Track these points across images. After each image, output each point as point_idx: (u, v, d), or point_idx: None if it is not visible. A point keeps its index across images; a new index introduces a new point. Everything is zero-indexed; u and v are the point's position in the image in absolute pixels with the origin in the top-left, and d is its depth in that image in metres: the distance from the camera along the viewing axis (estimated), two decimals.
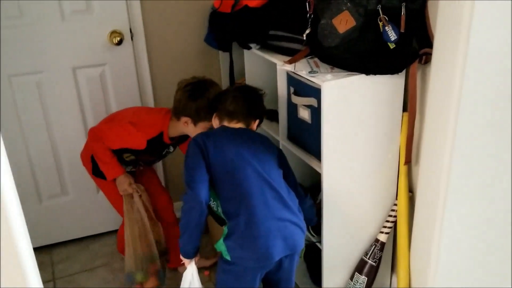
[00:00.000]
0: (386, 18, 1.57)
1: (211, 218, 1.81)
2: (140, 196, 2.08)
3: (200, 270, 1.78)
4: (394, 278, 2.12)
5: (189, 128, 1.99)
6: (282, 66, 1.84)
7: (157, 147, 2.09)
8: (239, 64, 2.35)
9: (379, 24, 1.58)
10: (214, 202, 1.69)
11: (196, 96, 1.93)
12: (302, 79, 1.78)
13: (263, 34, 2.04)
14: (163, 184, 2.64)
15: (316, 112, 1.76)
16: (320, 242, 1.93)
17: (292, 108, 1.93)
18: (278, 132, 2.05)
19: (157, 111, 2.12)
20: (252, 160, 1.64)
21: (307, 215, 1.77)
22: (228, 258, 1.62)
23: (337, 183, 1.82)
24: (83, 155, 2.17)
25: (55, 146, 2.41)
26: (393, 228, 1.97)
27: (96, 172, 2.12)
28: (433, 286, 1.75)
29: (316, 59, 1.81)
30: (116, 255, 2.44)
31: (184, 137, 2.14)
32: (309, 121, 1.83)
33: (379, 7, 1.57)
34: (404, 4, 1.57)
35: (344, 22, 1.59)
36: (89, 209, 2.56)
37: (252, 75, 2.27)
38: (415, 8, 1.61)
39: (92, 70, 2.34)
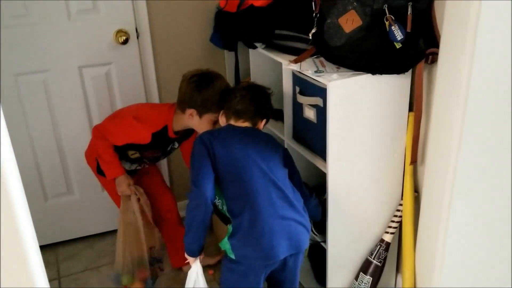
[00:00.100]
0: (393, 17, 1.57)
1: (216, 217, 1.82)
2: (139, 199, 2.06)
3: (205, 269, 1.78)
4: (399, 278, 2.12)
5: (194, 120, 1.97)
6: (288, 66, 1.84)
7: (162, 141, 2.07)
8: (245, 63, 2.36)
9: (385, 24, 1.57)
10: (220, 200, 1.69)
11: (202, 87, 1.91)
12: (308, 79, 1.78)
13: (268, 33, 2.04)
14: (167, 183, 2.64)
15: (321, 111, 1.76)
16: (325, 241, 1.93)
17: (297, 108, 1.93)
18: (283, 132, 2.05)
19: (161, 106, 2.11)
20: (258, 159, 1.64)
21: (313, 214, 1.76)
22: (232, 256, 1.62)
23: (342, 183, 1.82)
24: (87, 153, 2.18)
25: (61, 145, 2.41)
26: (398, 228, 1.96)
27: (100, 170, 2.12)
28: (438, 286, 1.74)
29: (322, 59, 1.81)
30: None
31: (188, 133, 2.13)
32: (315, 121, 1.83)
33: (385, 7, 1.56)
34: (410, 3, 1.57)
35: (350, 22, 1.59)
36: (94, 207, 2.56)
37: (258, 74, 2.27)
38: (421, 8, 1.60)
39: (98, 69, 2.34)
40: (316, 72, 1.71)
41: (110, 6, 2.25)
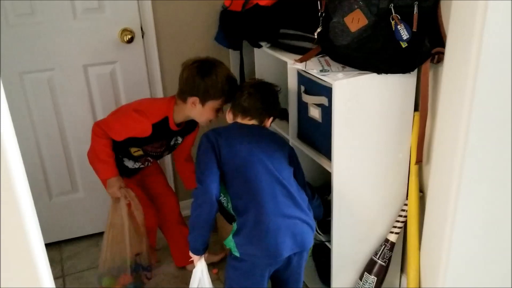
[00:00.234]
0: (399, 16, 1.56)
1: (220, 216, 1.82)
2: (129, 204, 2.03)
3: (209, 267, 1.78)
4: (403, 278, 2.11)
5: (196, 109, 1.93)
6: (293, 65, 1.84)
7: (163, 134, 2.04)
8: (250, 62, 2.35)
9: (391, 23, 1.57)
10: (225, 198, 1.70)
11: (204, 73, 1.88)
12: (313, 78, 1.78)
13: (273, 32, 2.03)
14: (172, 182, 2.65)
15: (326, 111, 1.76)
16: (329, 241, 1.93)
17: (302, 107, 1.93)
18: (288, 131, 2.05)
19: (161, 98, 2.10)
20: (263, 157, 1.64)
21: (315, 214, 1.76)
22: (237, 254, 1.62)
23: (347, 182, 1.81)
24: (90, 154, 2.16)
25: (66, 143, 2.42)
26: (403, 228, 1.96)
27: None
28: (443, 287, 1.74)
29: (327, 58, 1.81)
30: None
31: (190, 127, 2.11)
32: (320, 120, 1.82)
33: (391, 6, 1.56)
34: (416, 2, 1.56)
35: (356, 21, 1.58)
36: (99, 206, 2.57)
37: (262, 73, 2.27)
38: (427, 7, 1.60)
39: (103, 67, 2.35)
40: (321, 71, 1.71)
41: (115, 5, 2.25)
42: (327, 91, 1.71)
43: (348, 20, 1.61)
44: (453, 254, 1.67)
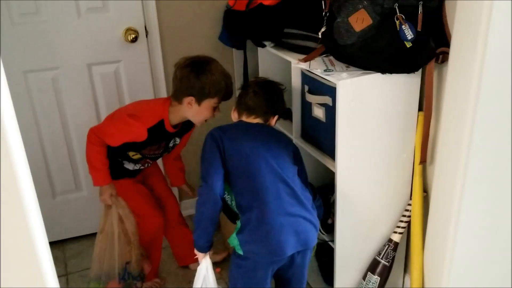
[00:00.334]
0: (403, 16, 1.56)
1: (223, 215, 1.82)
2: (119, 213, 2.02)
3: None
4: (407, 278, 2.11)
5: (193, 109, 1.91)
6: (297, 64, 1.84)
7: (160, 137, 2.01)
8: (253, 62, 2.35)
9: (395, 23, 1.57)
10: (229, 196, 1.70)
11: (199, 72, 1.86)
12: (317, 78, 1.77)
13: (277, 32, 2.03)
14: None
15: (330, 110, 1.76)
16: (332, 241, 1.93)
17: (306, 107, 1.92)
18: (292, 131, 2.05)
19: (155, 100, 2.07)
20: (267, 156, 1.65)
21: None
22: (240, 252, 1.62)
23: (351, 182, 1.81)
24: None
25: (70, 142, 2.42)
26: (406, 228, 1.96)
27: None
28: (447, 287, 1.73)
29: (331, 58, 1.81)
30: None
31: (187, 127, 2.09)
32: (323, 120, 1.82)
33: (396, 6, 1.55)
34: (421, 2, 1.56)
35: (360, 21, 1.58)
36: (103, 204, 2.57)
37: (266, 73, 2.26)
38: (432, 7, 1.59)
39: (107, 66, 2.35)
40: (325, 71, 1.70)
41: (119, 4, 2.25)
42: (331, 91, 1.71)
43: (352, 19, 1.60)
44: (457, 254, 1.67)
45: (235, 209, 1.68)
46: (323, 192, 2.01)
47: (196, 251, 1.71)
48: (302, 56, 1.86)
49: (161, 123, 1.95)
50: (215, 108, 1.93)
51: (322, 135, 1.86)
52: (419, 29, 1.57)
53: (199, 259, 1.72)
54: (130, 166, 2.11)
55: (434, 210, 1.75)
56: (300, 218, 1.62)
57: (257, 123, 1.77)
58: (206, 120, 1.98)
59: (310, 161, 1.98)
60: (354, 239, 1.92)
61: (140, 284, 2.19)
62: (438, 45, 1.64)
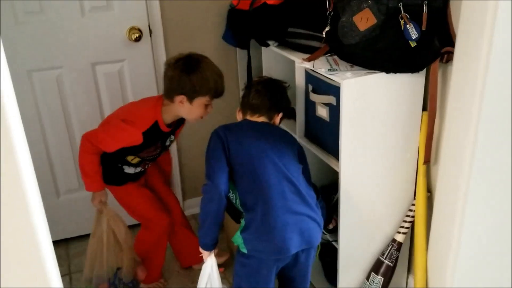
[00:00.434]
0: (408, 16, 1.55)
1: (227, 215, 1.82)
2: (108, 220, 2.02)
3: None
4: (410, 279, 2.10)
5: (184, 107, 1.89)
6: (301, 64, 1.84)
7: (156, 138, 1.99)
8: (257, 61, 2.35)
9: (400, 22, 1.56)
10: (233, 194, 1.70)
11: (189, 70, 1.83)
12: (321, 77, 1.77)
13: (281, 31, 2.03)
14: (178, 182, 2.65)
15: (334, 110, 1.75)
16: (336, 241, 1.92)
17: (310, 106, 1.92)
18: (296, 130, 2.05)
19: (147, 101, 2.02)
20: (272, 154, 1.65)
21: None
22: (244, 251, 1.63)
23: (354, 182, 1.81)
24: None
25: (74, 141, 2.43)
26: (410, 228, 1.95)
27: (108, 180, 2.08)
28: (451, 287, 1.73)
29: (335, 57, 1.80)
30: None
31: (179, 122, 2.07)
32: (327, 119, 1.82)
33: (400, 5, 1.55)
34: (426, 2, 1.55)
35: (365, 20, 1.58)
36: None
37: (270, 72, 2.26)
38: (437, 6, 1.59)
39: (111, 66, 2.35)
40: (329, 70, 1.70)
41: (123, 3, 2.25)
42: (335, 90, 1.70)
43: (357, 19, 1.60)
44: (461, 254, 1.66)
45: (240, 208, 1.68)
46: (327, 192, 2.01)
47: (201, 249, 1.71)
48: (306, 56, 1.86)
49: (155, 125, 1.94)
50: (207, 106, 1.91)
51: (326, 134, 1.86)
52: (423, 28, 1.56)
53: (204, 258, 1.72)
54: (130, 170, 2.09)
55: (438, 210, 1.75)
56: (304, 216, 1.62)
57: (261, 122, 1.78)
58: (202, 117, 1.95)
59: (313, 161, 1.97)
60: (357, 239, 1.92)
61: None
62: (442, 44, 1.64)
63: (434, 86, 1.69)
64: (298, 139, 2.03)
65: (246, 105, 1.80)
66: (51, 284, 0.85)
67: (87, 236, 2.60)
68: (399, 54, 1.61)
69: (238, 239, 1.63)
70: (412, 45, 1.58)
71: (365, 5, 1.57)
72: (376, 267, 1.96)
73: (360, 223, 1.90)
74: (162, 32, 2.36)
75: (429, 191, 1.90)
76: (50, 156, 2.42)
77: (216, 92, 1.89)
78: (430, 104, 1.72)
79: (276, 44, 2.09)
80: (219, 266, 2.33)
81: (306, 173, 1.77)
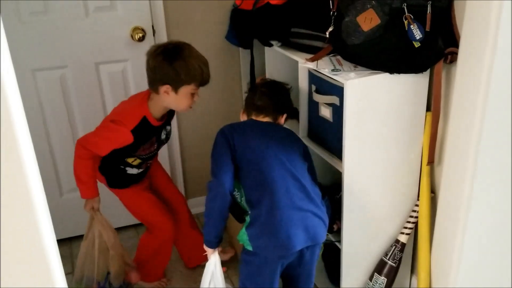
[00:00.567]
0: (412, 16, 1.55)
1: (230, 216, 1.82)
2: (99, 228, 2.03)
3: None
4: (413, 279, 2.10)
5: (170, 97, 1.83)
6: (304, 64, 1.83)
7: (148, 134, 1.94)
8: (260, 61, 2.35)
9: (404, 23, 1.56)
10: (238, 193, 1.71)
11: (172, 59, 1.77)
12: (324, 77, 1.77)
13: (284, 31, 2.03)
14: (181, 181, 2.65)
15: (338, 110, 1.75)
16: (339, 241, 1.92)
17: (313, 106, 1.92)
18: (299, 130, 2.04)
19: (135, 98, 1.98)
20: (277, 151, 1.67)
21: None
22: (249, 248, 1.63)
23: (358, 182, 1.80)
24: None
25: None
26: (414, 229, 1.95)
27: (112, 184, 2.09)
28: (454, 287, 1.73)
29: (339, 57, 1.80)
30: (135, 249, 2.46)
31: (171, 113, 2.03)
32: (331, 120, 1.82)
33: (404, 5, 1.55)
34: (430, 2, 1.55)
35: (368, 20, 1.57)
36: (109, 203, 2.56)
37: (273, 72, 2.26)
38: (441, 7, 1.59)
39: (115, 65, 2.36)
40: (333, 70, 1.70)
41: (127, 3, 2.26)
42: (338, 91, 1.70)
43: (360, 19, 1.60)
44: (464, 255, 1.66)
45: (245, 205, 1.69)
46: (330, 192, 2.01)
47: (205, 247, 1.72)
48: (310, 56, 1.86)
49: (144, 120, 1.89)
50: (193, 95, 1.86)
51: (329, 135, 1.86)
52: (427, 29, 1.56)
53: (208, 255, 1.73)
54: (134, 171, 2.07)
55: (442, 211, 1.74)
56: (309, 213, 1.62)
57: (267, 122, 1.79)
58: (190, 107, 1.91)
59: (316, 161, 1.97)
60: (360, 239, 1.92)
61: None
62: (446, 45, 1.64)
63: (438, 87, 1.68)
64: None
65: (251, 106, 1.81)
66: (55, 283, 0.85)
67: None
68: (403, 54, 1.61)
69: (243, 235, 1.63)
70: (416, 46, 1.58)
71: (369, 6, 1.57)
72: (379, 267, 1.96)
73: (363, 224, 1.89)
74: (166, 32, 2.37)
75: (433, 191, 1.90)
76: (53, 155, 2.43)
77: (202, 79, 1.84)
78: (434, 104, 1.71)
79: (279, 44, 2.09)
80: (223, 264, 2.34)
81: (311, 171, 1.77)
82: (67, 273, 2.35)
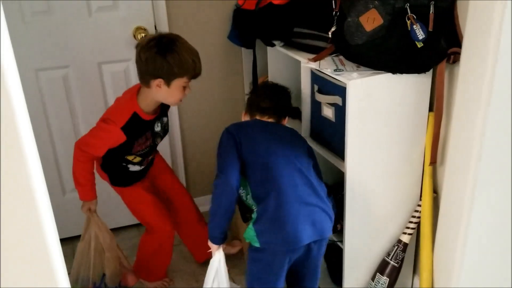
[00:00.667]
0: (414, 16, 1.55)
1: (234, 217, 1.82)
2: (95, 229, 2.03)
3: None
4: (416, 280, 2.10)
5: (162, 91, 1.80)
6: (307, 64, 1.83)
7: (141, 129, 1.92)
8: (262, 61, 2.35)
9: (407, 23, 1.56)
10: (244, 190, 1.72)
11: (164, 51, 1.74)
12: (327, 77, 1.77)
13: (287, 31, 2.03)
14: (184, 181, 2.65)
15: (340, 110, 1.75)
16: (341, 241, 1.92)
17: (315, 106, 1.92)
18: (301, 130, 2.04)
19: (125, 94, 1.96)
20: (283, 147, 1.69)
21: None
22: (257, 245, 1.63)
23: (360, 182, 1.80)
24: (97, 167, 2.10)
25: None
26: (416, 229, 1.94)
27: (114, 181, 2.09)
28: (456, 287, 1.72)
29: (341, 57, 1.80)
30: (137, 249, 2.46)
31: (165, 105, 2.00)
32: (333, 120, 1.82)
33: (407, 5, 1.55)
34: (433, 2, 1.55)
35: (371, 20, 1.57)
36: (112, 202, 2.57)
37: (275, 72, 2.26)
38: (444, 7, 1.58)
39: (117, 65, 2.36)
40: (335, 70, 1.70)
41: (129, 3, 2.26)
42: (341, 91, 1.70)
43: (363, 19, 1.60)
44: (467, 255, 1.66)
45: (250, 202, 1.69)
46: (332, 191, 2.00)
47: (209, 243, 1.72)
48: (312, 56, 1.86)
49: (135, 116, 1.87)
50: (185, 88, 1.85)
51: (332, 135, 1.86)
52: (430, 29, 1.56)
53: (212, 251, 1.73)
54: (136, 168, 2.07)
55: (444, 211, 1.74)
56: (316, 207, 1.63)
57: (271, 121, 1.82)
58: (181, 100, 1.89)
59: (319, 161, 1.96)
60: (363, 239, 1.92)
61: None
62: (449, 45, 1.63)
63: (440, 87, 1.68)
64: None
65: (254, 108, 1.84)
66: (58, 283, 0.85)
67: None
68: (406, 54, 1.60)
69: (250, 231, 1.63)
70: (419, 46, 1.58)
71: (371, 6, 1.57)
72: (381, 267, 1.95)
73: (365, 224, 1.89)
74: (168, 31, 2.36)
75: (435, 192, 1.90)
76: (56, 154, 2.43)
77: (194, 72, 1.82)
78: (437, 104, 1.71)
79: (281, 44, 2.09)
80: (231, 258, 2.33)
81: (316, 169, 1.79)
82: (70, 273, 2.35)
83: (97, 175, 2.08)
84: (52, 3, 2.16)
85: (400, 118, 1.76)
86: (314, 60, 1.82)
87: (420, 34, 1.55)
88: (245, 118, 1.87)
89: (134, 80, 2.40)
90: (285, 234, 1.58)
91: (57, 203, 2.47)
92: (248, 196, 1.70)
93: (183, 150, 2.63)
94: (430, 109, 1.80)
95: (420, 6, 1.55)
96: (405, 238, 1.93)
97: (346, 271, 1.95)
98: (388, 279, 1.93)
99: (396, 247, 1.93)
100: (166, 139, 2.53)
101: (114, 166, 2.03)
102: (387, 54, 1.62)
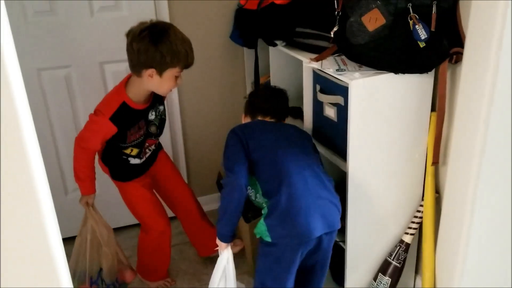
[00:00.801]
0: (417, 16, 1.55)
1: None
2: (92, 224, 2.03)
3: None
4: (418, 280, 2.10)
5: (154, 81, 1.78)
6: (309, 64, 1.83)
7: (133, 119, 1.90)
8: (264, 61, 2.35)
9: (409, 23, 1.56)
10: (252, 190, 1.72)
11: (157, 40, 1.72)
12: (329, 77, 1.77)
13: (289, 31, 2.03)
14: (185, 180, 2.65)
15: (342, 110, 1.75)
16: (343, 241, 1.92)
17: (317, 106, 1.92)
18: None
19: (116, 85, 1.95)
20: (290, 143, 1.73)
21: None
22: (268, 239, 1.62)
23: (362, 182, 1.80)
24: (99, 161, 2.11)
25: None
26: (418, 229, 1.94)
27: (115, 176, 2.09)
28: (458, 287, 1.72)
29: (343, 57, 1.80)
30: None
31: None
32: (335, 119, 1.81)
33: (409, 5, 1.55)
34: (435, 2, 1.55)
35: (373, 20, 1.57)
36: (113, 202, 2.57)
37: (277, 72, 2.26)
38: (446, 7, 1.58)
39: (119, 65, 2.35)
40: (337, 70, 1.70)
41: (132, 3, 2.27)
42: (343, 91, 1.70)
43: (365, 19, 1.60)
44: (469, 255, 1.66)
45: (260, 201, 1.70)
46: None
47: (218, 241, 1.72)
48: (314, 56, 1.86)
49: (124, 106, 1.85)
50: (177, 78, 1.83)
51: (334, 135, 1.86)
52: (432, 29, 1.56)
53: (220, 249, 1.73)
54: (137, 161, 2.06)
55: (446, 211, 1.74)
56: (326, 200, 1.64)
57: (274, 121, 1.86)
58: (171, 90, 1.89)
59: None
60: (365, 239, 1.92)
61: None
62: (451, 45, 1.63)
63: (443, 87, 1.68)
64: None
65: (256, 109, 1.88)
66: (61, 283, 0.85)
67: None
68: (408, 54, 1.60)
69: (261, 226, 1.63)
70: (421, 46, 1.58)
71: (373, 5, 1.57)
72: (383, 268, 1.95)
73: (367, 224, 1.89)
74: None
75: (438, 192, 1.89)
76: (58, 153, 2.43)
77: (187, 62, 1.81)
78: (439, 104, 1.71)
79: (283, 43, 2.09)
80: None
81: (321, 165, 1.80)
82: None
83: (98, 168, 2.09)
84: (54, 3, 2.16)
85: (402, 118, 1.75)
86: (316, 60, 1.82)
87: (423, 34, 1.55)
88: (246, 120, 1.88)
89: None
90: (297, 227, 1.59)
91: (59, 203, 2.46)
92: (258, 194, 1.70)
93: (185, 150, 2.63)
94: (433, 109, 1.80)
95: (422, 6, 1.55)
96: (407, 238, 1.92)
97: (348, 271, 1.95)
98: (390, 279, 1.93)
99: (398, 247, 1.93)
100: (168, 139, 2.53)
101: (114, 159, 2.03)
102: (389, 54, 1.62)
